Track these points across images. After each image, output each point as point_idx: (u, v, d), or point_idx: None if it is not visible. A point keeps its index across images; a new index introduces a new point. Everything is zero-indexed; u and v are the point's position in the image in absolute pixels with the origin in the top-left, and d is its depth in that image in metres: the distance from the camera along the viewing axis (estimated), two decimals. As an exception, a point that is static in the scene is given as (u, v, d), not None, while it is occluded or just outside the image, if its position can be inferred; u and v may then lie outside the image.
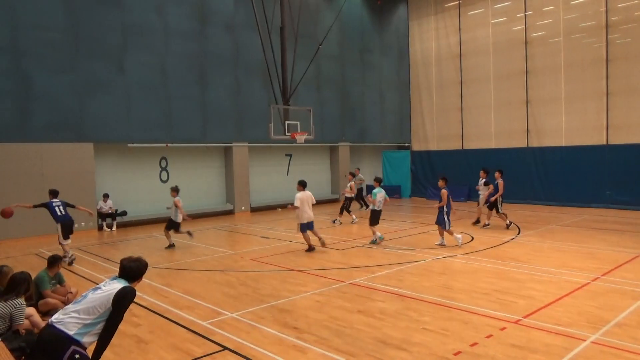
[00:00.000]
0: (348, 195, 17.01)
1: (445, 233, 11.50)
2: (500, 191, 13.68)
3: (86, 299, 4.17)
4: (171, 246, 12.41)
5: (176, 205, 12.23)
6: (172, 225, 12.39)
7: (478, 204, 15.03)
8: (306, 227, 11.34)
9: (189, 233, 12.61)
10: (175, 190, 12.47)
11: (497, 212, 13.83)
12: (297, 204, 11.19)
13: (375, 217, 12.07)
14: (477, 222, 14.81)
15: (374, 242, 12.05)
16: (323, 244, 11.46)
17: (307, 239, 11.38)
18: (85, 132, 15.73)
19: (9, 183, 13.97)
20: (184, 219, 12.36)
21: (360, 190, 19.17)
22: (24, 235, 14.22)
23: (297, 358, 5.27)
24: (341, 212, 16.66)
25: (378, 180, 12.45)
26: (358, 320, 6.37)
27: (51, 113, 15.00)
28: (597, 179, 18.28)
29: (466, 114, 22.49)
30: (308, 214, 11.31)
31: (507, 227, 13.73)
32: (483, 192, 14.49)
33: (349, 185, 17.24)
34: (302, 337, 5.85)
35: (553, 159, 19.55)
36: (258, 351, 5.47)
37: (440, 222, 11.43)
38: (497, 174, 13.90)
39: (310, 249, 11.33)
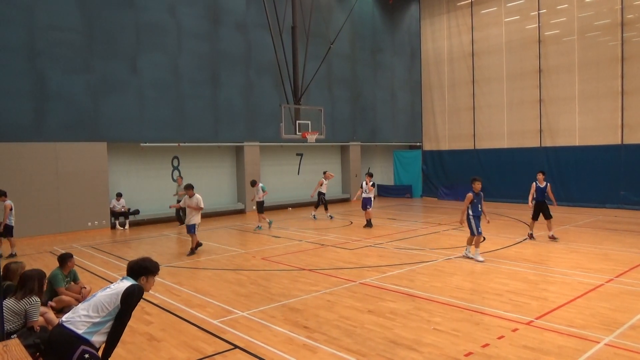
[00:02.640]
0: (322, 191, 17.31)
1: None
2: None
3: (95, 298, 4.21)
4: None
5: (7, 209, 11.74)
6: (6, 231, 11.80)
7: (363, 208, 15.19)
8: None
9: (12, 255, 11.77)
10: (3, 195, 11.93)
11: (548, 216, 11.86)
12: (202, 205, 11.49)
13: (260, 207, 15.39)
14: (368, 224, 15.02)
15: (258, 227, 15.14)
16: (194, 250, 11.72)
17: (195, 238, 11.67)
18: (100, 131, 15.90)
19: (25, 182, 14.17)
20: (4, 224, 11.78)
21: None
22: (38, 234, 14.45)
23: (307, 357, 5.28)
24: (317, 207, 17.46)
25: (253, 183, 15.59)
26: (369, 320, 6.36)
27: (66, 113, 15.19)
28: (612, 179, 18.04)
29: (478, 113, 22.31)
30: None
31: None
32: (368, 194, 14.88)
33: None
34: (312, 337, 5.86)
35: (567, 158, 19.31)
36: (268, 350, 5.49)
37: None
38: (541, 176, 11.91)
39: (199, 245, 11.72)
